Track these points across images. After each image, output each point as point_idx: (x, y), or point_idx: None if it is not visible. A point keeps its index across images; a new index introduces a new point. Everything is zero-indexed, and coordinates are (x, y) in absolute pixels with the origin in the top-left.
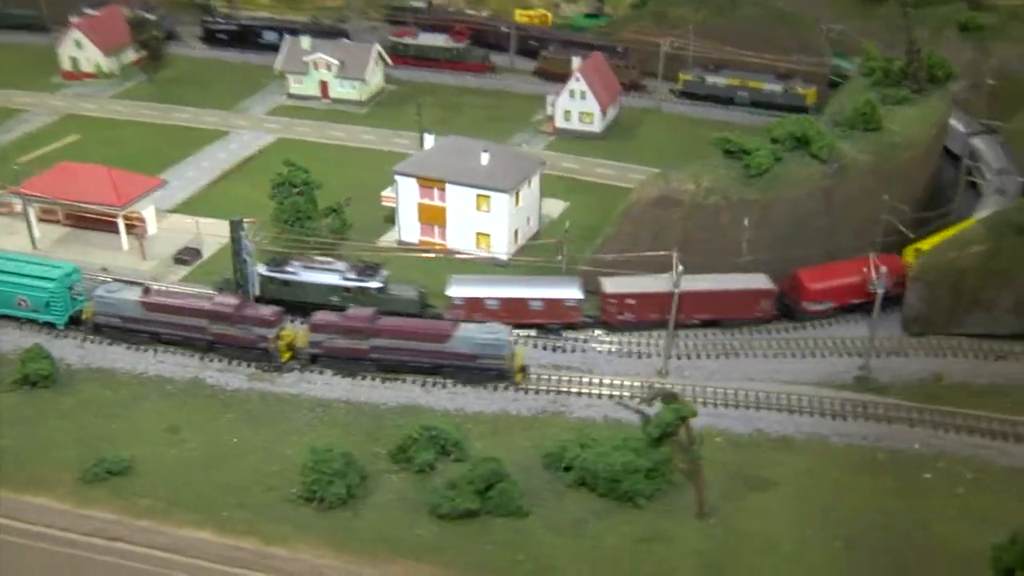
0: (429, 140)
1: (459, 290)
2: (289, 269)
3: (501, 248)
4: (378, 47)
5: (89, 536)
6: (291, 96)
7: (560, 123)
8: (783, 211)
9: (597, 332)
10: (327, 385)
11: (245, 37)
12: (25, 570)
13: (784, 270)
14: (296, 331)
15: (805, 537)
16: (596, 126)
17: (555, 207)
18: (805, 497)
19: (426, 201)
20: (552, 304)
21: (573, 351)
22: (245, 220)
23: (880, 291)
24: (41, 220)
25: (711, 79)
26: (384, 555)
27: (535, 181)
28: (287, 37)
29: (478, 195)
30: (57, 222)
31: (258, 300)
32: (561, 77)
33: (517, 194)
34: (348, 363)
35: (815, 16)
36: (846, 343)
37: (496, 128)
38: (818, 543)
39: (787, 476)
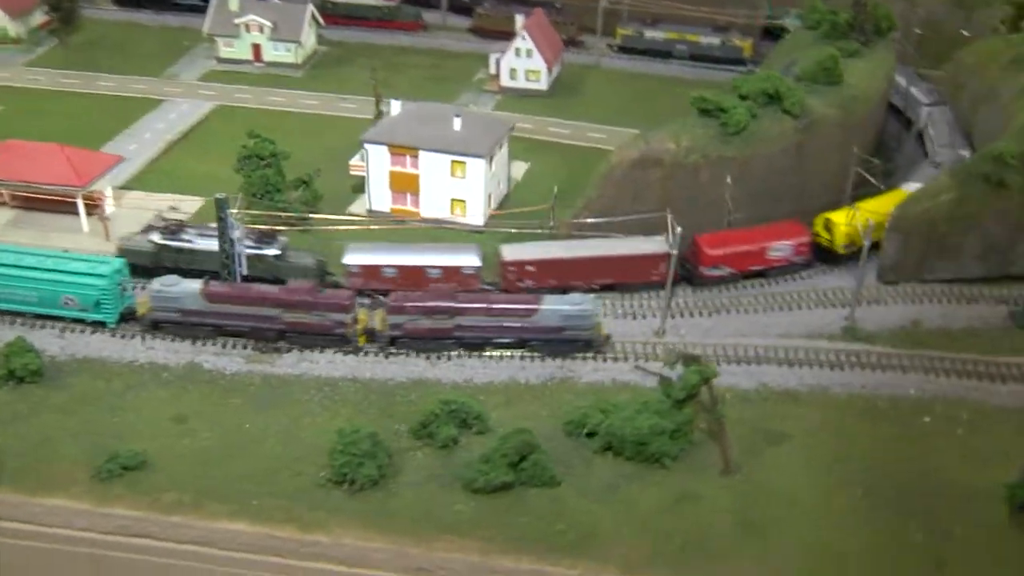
0: (396, 106)
1: (355, 257)
2: (185, 237)
3: (477, 214)
4: (311, 7)
5: (113, 534)
6: (221, 60)
7: (506, 82)
8: (759, 168)
9: None
10: (330, 363)
11: None
12: (50, 574)
13: None
14: (370, 314)
15: (826, 487)
16: (543, 84)
17: (518, 169)
18: (818, 448)
19: (398, 169)
20: (450, 272)
21: None
22: (228, 196)
23: (867, 243)
24: None
25: (649, 33)
26: (426, 533)
27: (505, 144)
28: None
29: (453, 161)
30: (3, 204)
31: (152, 269)
32: (497, 34)
33: (491, 158)
34: (429, 343)
35: None
36: (828, 295)
37: (440, 89)
38: (839, 493)
39: (798, 429)
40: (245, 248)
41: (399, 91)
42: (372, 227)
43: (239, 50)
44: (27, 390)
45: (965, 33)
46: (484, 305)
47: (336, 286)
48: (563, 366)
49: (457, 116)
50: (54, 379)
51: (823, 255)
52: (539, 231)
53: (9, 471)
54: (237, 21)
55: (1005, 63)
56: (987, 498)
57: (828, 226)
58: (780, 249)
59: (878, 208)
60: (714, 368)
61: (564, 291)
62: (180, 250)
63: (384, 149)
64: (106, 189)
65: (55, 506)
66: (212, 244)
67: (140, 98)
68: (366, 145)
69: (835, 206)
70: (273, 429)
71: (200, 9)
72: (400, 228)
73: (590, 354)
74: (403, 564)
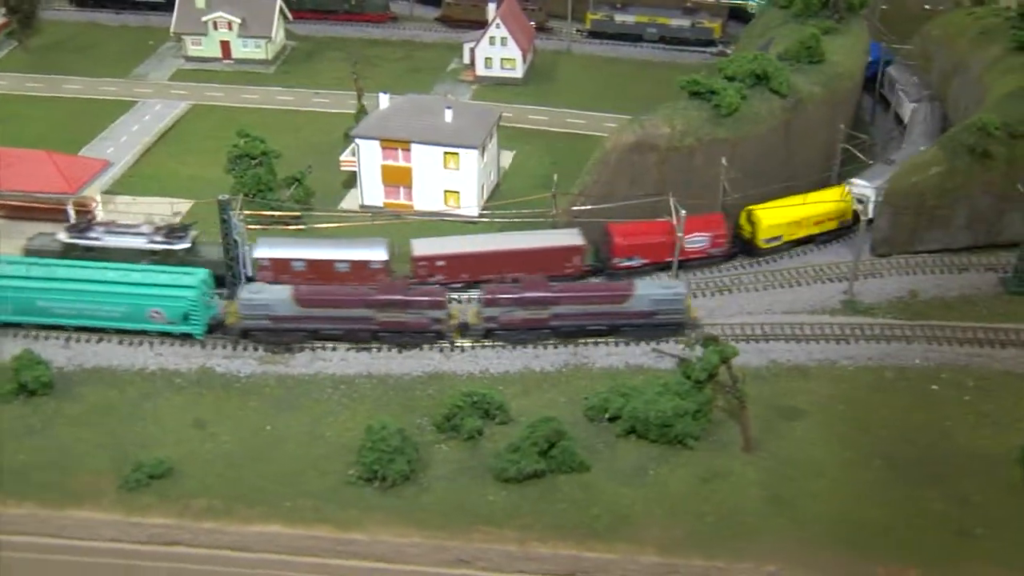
0: (384, 100)
1: (265, 251)
2: (92, 235)
3: (471, 205)
4: (280, 2)
5: (146, 544)
6: (189, 59)
7: (481, 71)
8: (750, 148)
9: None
10: (344, 361)
11: None
12: None
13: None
14: (462, 308)
15: (847, 459)
16: (518, 72)
17: (504, 157)
18: (833, 422)
19: (390, 162)
20: (358, 266)
21: None
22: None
23: (864, 218)
24: None
25: (619, 17)
26: (462, 525)
27: (495, 133)
28: None
29: (445, 153)
30: None
31: None
32: (466, 23)
33: (484, 149)
34: (524, 334)
35: None
36: (825, 270)
37: (415, 80)
38: (860, 464)
39: (811, 403)
40: (152, 243)
41: (375, 84)
42: (376, 222)
43: (207, 48)
44: (39, 403)
45: (927, 7)
46: (578, 293)
47: (251, 280)
48: (576, 352)
49: (448, 108)
50: (65, 391)
51: (745, 248)
52: (539, 220)
53: (33, 485)
54: (204, 19)
55: (973, 36)
56: (1002, 462)
57: (751, 219)
58: (696, 241)
59: (814, 203)
60: (734, 348)
61: (476, 286)
62: (89, 248)
63: (375, 143)
64: (95, 195)
65: (84, 519)
66: (122, 241)
67: (111, 100)
68: (357, 140)
69: (824, 183)
70: (295, 430)
71: (161, 7)
72: (397, 222)
73: (603, 340)
74: (441, 558)
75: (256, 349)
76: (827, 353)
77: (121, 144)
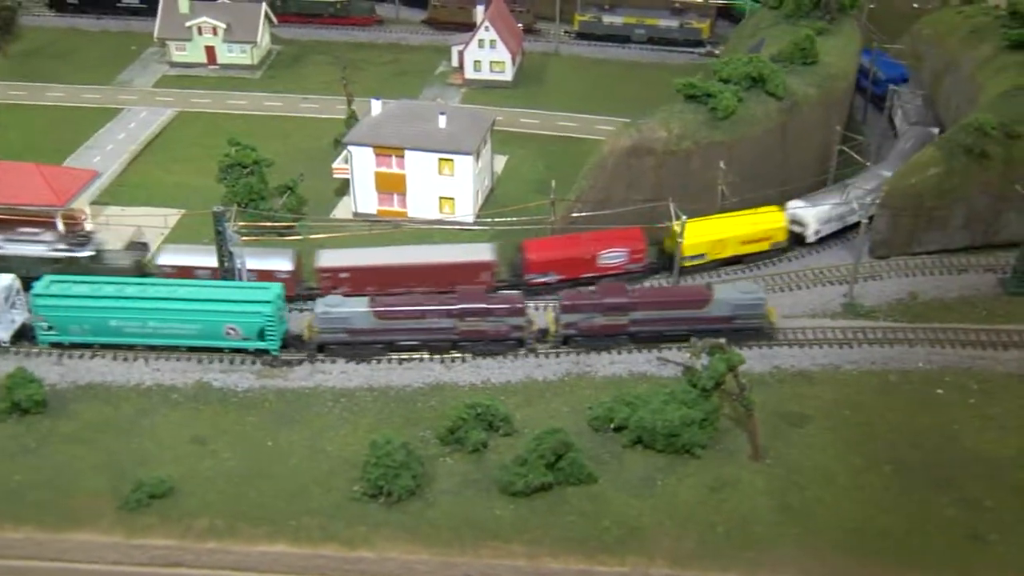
0: (376, 106)
1: (168, 258)
2: None
3: (466, 211)
4: (265, 6)
5: (148, 566)
6: (174, 65)
7: (470, 74)
8: (746, 151)
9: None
10: (343, 374)
11: (100, 0)
12: None
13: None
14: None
15: (855, 466)
16: (507, 74)
17: (498, 162)
18: (840, 427)
19: (383, 169)
20: (264, 275)
21: None
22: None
23: (863, 219)
24: None
25: (607, 18)
26: (470, 541)
27: (488, 138)
28: (161, 1)
29: (440, 159)
30: None
31: None
32: (453, 26)
33: (478, 154)
34: (602, 341)
35: None
36: (824, 273)
37: (403, 84)
38: (870, 470)
39: (817, 408)
40: (55, 251)
41: (363, 88)
42: (372, 231)
43: (192, 53)
44: (32, 421)
45: (916, 5)
46: (657, 299)
47: None
48: (579, 361)
49: (442, 113)
50: (59, 408)
51: (668, 265)
52: (536, 227)
53: (29, 507)
54: (189, 24)
55: (964, 34)
56: (1012, 466)
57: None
58: (613, 256)
59: (742, 222)
60: (741, 355)
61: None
62: None
63: (369, 150)
64: (84, 207)
65: (83, 541)
66: (21, 249)
67: (95, 108)
68: (350, 147)
69: (820, 185)
70: (297, 445)
71: (143, 12)
72: (394, 231)
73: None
74: (450, 574)
75: (254, 363)
76: (830, 358)
77: (107, 153)
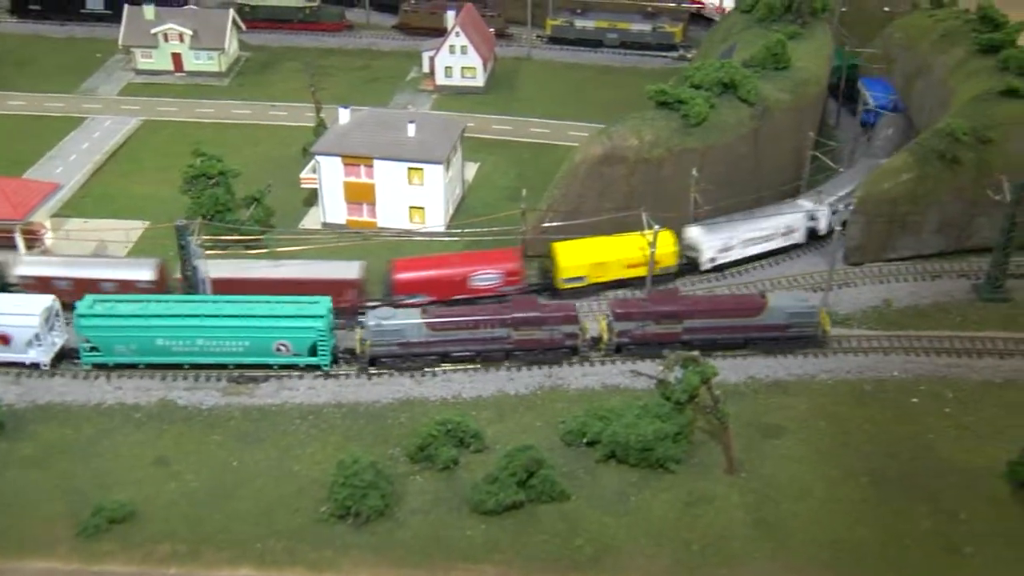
0: (344, 115)
1: (28, 269)
2: None
3: (437, 221)
4: (232, 12)
5: None
6: (140, 72)
7: (441, 80)
8: (719, 157)
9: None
10: (311, 390)
11: (64, 5)
12: None
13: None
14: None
15: (831, 478)
16: (479, 80)
17: (469, 169)
18: (816, 438)
19: (352, 179)
20: (125, 284)
21: None
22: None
23: (833, 227)
24: None
25: (579, 23)
26: (440, 562)
27: (459, 146)
28: (126, 7)
29: (409, 168)
30: None
31: None
32: (425, 31)
33: (449, 163)
34: (655, 349)
35: None
36: (798, 281)
37: (374, 90)
38: (845, 482)
39: (792, 419)
40: None
41: (332, 95)
42: (340, 243)
43: (158, 61)
44: None
45: (887, 9)
46: (712, 307)
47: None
48: (551, 374)
49: (411, 122)
50: (17, 430)
51: (548, 287)
52: (506, 237)
53: None
54: (154, 31)
55: (935, 38)
56: (987, 476)
57: (553, 256)
58: (486, 278)
59: (627, 245)
60: (714, 368)
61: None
62: None
63: (337, 160)
64: (44, 220)
65: (40, 569)
66: None
67: (58, 116)
68: (318, 157)
69: (795, 191)
70: (262, 465)
71: (108, 18)
72: (364, 242)
73: (576, 360)
74: None
75: (219, 380)
76: (805, 367)
77: (70, 163)
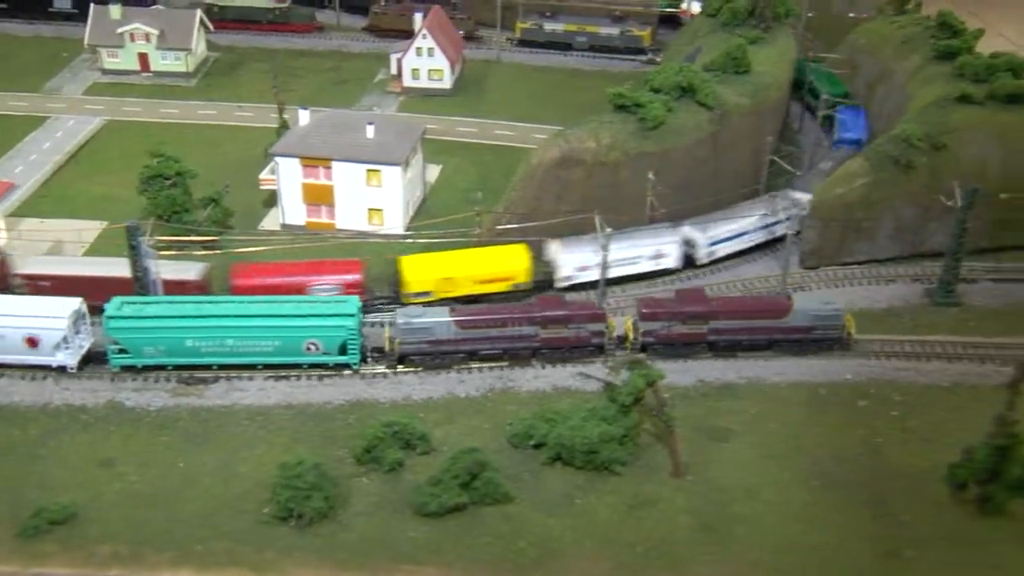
0: (304, 116)
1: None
2: None
3: (396, 222)
4: (200, 12)
5: None
6: (106, 72)
7: (408, 82)
8: (677, 161)
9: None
10: (261, 391)
11: (31, 4)
12: None
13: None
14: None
15: (782, 480)
16: (446, 82)
17: (430, 172)
18: (766, 442)
19: (311, 180)
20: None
21: None
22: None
23: (787, 231)
24: None
25: (548, 26)
26: (382, 564)
27: (419, 148)
28: (92, 6)
29: (368, 170)
30: None
31: None
32: (394, 33)
33: (407, 165)
34: (680, 348)
35: None
36: (754, 284)
37: (341, 92)
38: (796, 485)
39: (742, 423)
40: None
41: (299, 96)
42: (296, 245)
43: (124, 60)
44: None
45: (852, 15)
46: (737, 308)
47: None
48: (502, 376)
49: (370, 124)
50: None
51: (397, 299)
52: (463, 240)
53: None
54: (120, 30)
55: (896, 44)
56: (930, 479)
57: (399, 270)
58: (325, 287)
59: (478, 261)
60: (659, 371)
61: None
62: None
63: (296, 161)
64: None
65: None
66: None
67: (20, 116)
68: (276, 158)
69: (753, 194)
70: (209, 466)
71: (76, 18)
72: (322, 244)
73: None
74: None
75: (168, 380)
76: (756, 370)
77: (30, 163)
